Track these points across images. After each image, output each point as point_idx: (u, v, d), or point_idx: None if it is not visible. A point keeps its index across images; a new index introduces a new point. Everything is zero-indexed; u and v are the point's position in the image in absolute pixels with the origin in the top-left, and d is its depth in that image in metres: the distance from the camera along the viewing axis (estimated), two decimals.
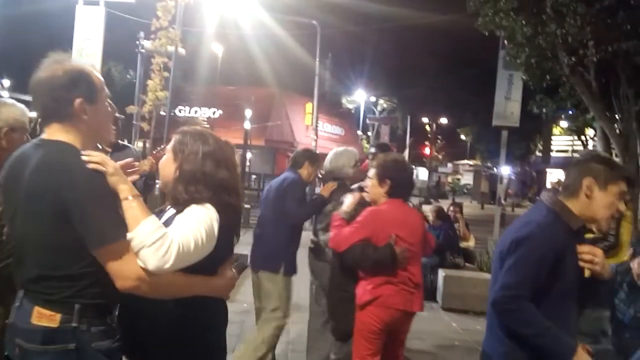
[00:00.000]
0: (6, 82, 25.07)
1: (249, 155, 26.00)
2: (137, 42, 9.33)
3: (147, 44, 9.17)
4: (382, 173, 2.97)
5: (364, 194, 3.10)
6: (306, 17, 17.13)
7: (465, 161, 45.38)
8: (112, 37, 10.92)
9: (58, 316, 1.60)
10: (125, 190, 1.60)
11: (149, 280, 1.56)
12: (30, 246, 1.64)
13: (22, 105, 2.72)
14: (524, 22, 7.42)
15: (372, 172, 3.04)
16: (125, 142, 4.27)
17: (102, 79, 1.76)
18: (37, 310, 1.61)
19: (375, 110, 35.73)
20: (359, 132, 35.65)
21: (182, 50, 9.39)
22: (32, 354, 1.62)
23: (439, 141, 41.49)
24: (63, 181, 1.56)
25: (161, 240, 1.54)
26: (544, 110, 10.35)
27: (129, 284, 1.56)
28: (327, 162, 3.89)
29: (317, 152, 4.39)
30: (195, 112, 28.89)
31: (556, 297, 1.93)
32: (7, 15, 16.87)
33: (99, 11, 10.73)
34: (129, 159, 1.93)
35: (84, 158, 1.59)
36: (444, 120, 38.49)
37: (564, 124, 24.16)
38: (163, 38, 7.61)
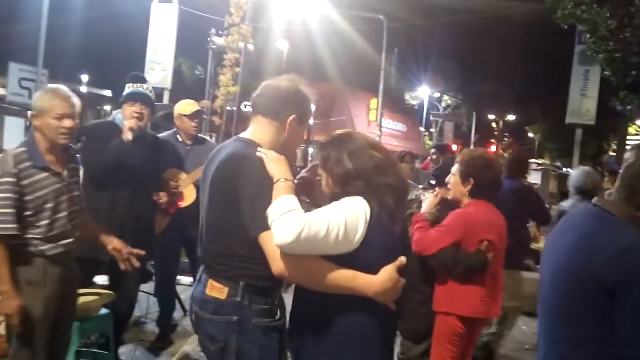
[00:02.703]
0: (85, 78, 26.39)
1: (310, 150, 26.19)
2: (209, 39, 9.61)
3: (218, 40, 9.42)
4: (466, 171, 2.85)
5: (445, 193, 3.00)
6: (373, 12, 17.02)
7: (533, 160, 43.79)
8: (181, 33, 11.26)
9: (226, 290, 1.82)
10: (278, 174, 1.76)
11: (297, 265, 1.69)
12: (211, 228, 1.88)
13: (61, 90, 2.75)
14: (608, 14, 7.05)
15: (455, 168, 2.92)
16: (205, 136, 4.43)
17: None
18: (211, 283, 1.85)
19: (439, 106, 35.01)
20: (422, 129, 35.06)
21: (251, 47, 9.59)
22: (203, 321, 1.87)
23: (505, 139, 40.20)
24: (237, 173, 1.79)
25: (288, 215, 1.63)
26: (628, 107, 9.81)
27: (279, 267, 1.70)
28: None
29: None
30: None
31: None
32: (85, 15, 17.75)
33: (173, 9, 11.15)
34: None
35: (258, 154, 1.81)
36: (511, 118, 37.24)
37: None
38: (235, 34, 7.81)
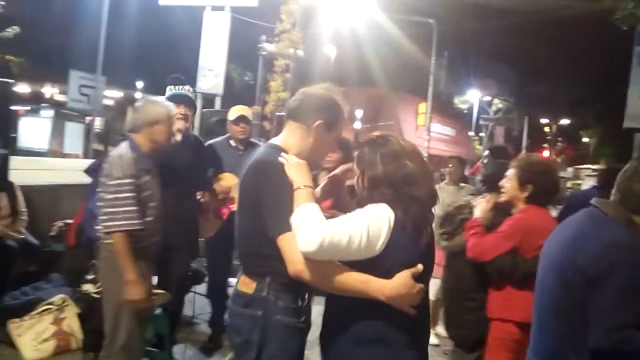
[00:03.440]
0: (139, 84, 27.34)
1: None
2: (259, 45, 9.79)
3: (268, 46, 9.58)
4: (523, 176, 2.78)
5: (497, 198, 2.92)
6: (422, 15, 16.88)
7: (588, 165, 42.22)
8: (231, 40, 11.48)
9: (254, 285, 1.91)
10: (298, 181, 1.82)
11: (312, 268, 1.73)
12: (241, 228, 2.00)
13: (166, 102, 3.04)
14: None
15: (512, 172, 2.84)
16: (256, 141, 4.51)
17: (345, 122, 2.04)
18: (242, 278, 1.96)
19: (489, 110, 34.31)
20: (471, 133, 34.43)
21: (300, 52, 9.70)
22: (234, 314, 1.99)
23: (559, 143, 38.98)
24: (260, 178, 1.89)
25: (311, 225, 1.69)
26: None
27: (295, 268, 1.76)
28: None
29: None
30: None
31: None
32: (139, 24, 18.40)
33: (225, 16, 11.39)
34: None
35: (280, 159, 1.88)
36: (564, 121, 36.10)
37: None
38: (286, 40, 7.94)
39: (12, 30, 10.64)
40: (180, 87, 3.65)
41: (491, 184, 3.16)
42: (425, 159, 1.94)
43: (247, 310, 1.92)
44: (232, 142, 4.23)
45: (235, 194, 3.99)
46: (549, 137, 36.47)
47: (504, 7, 17.41)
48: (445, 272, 3.19)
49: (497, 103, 36.04)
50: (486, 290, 2.84)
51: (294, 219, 1.74)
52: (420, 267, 1.75)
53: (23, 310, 3.90)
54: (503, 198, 2.90)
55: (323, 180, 2.98)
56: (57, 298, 3.97)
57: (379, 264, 1.72)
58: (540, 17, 17.68)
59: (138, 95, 25.44)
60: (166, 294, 3.46)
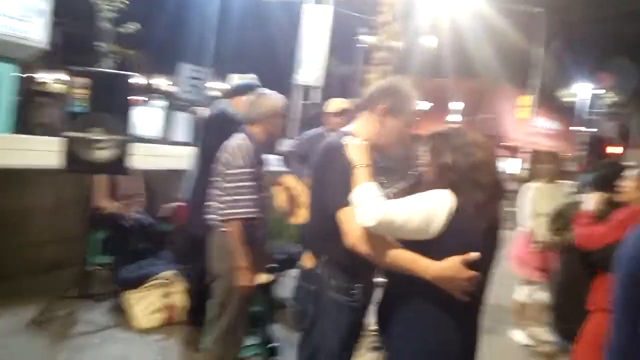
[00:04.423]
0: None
1: None
2: (358, 38, 9.86)
3: (367, 39, 9.58)
4: None
5: (608, 199, 2.89)
6: (529, 4, 16.10)
7: None
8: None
9: (313, 261, 2.08)
10: (357, 160, 1.95)
11: (366, 242, 1.85)
12: (310, 209, 2.17)
13: (277, 95, 3.18)
14: None
15: (634, 172, 2.83)
16: None
17: (419, 109, 2.15)
18: (306, 255, 2.14)
19: (599, 104, 31.99)
20: (579, 128, 32.32)
21: (400, 44, 9.62)
22: (295, 285, 2.20)
23: None
24: (325, 159, 2.06)
25: (370, 201, 1.80)
26: None
27: (349, 240, 1.89)
28: None
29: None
30: None
31: None
32: (240, 19, 19.11)
33: (327, 9, 11.54)
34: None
35: (343, 142, 2.01)
36: None
37: None
38: (386, 33, 7.92)
39: (133, 27, 11.45)
40: (249, 76, 3.75)
41: (603, 183, 3.11)
42: (496, 151, 2.00)
43: (304, 283, 2.11)
44: (328, 134, 4.33)
45: None
46: None
47: None
48: (557, 267, 3.16)
49: (611, 96, 33.47)
50: (591, 283, 2.79)
51: (354, 196, 1.86)
52: (474, 254, 1.76)
53: (137, 282, 4.29)
54: (621, 198, 2.85)
55: None
56: (168, 274, 4.32)
57: (437, 247, 1.78)
58: None
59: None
60: (269, 276, 3.65)
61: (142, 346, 3.70)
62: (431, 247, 1.78)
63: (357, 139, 2.03)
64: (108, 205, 4.81)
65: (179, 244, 5.13)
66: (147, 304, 4.07)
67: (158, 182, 5.49)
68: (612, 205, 2.87)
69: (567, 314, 2.99)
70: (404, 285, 1.85)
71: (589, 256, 2.76)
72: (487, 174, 1.85)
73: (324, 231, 2.00)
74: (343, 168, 1.95)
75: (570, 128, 32.20)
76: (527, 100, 19.37)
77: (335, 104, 4.34)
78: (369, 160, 1.96)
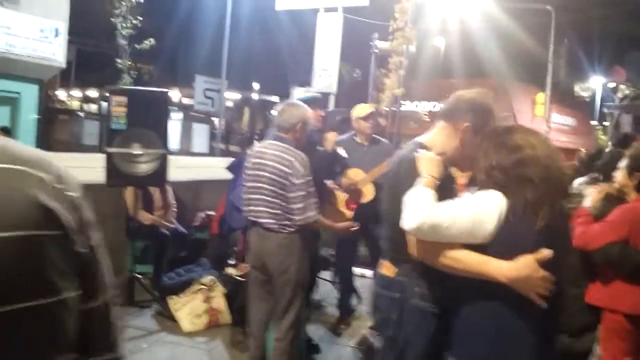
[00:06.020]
0: (256, 85, 28.74)
1: None
2: (372, 43, 10.03)
3: (381, 44, 9.78)
4: (633, 164, 2.78)
5: (610, 188, 2.91)
6: (539, 2, 16.15)
7: None
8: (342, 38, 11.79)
9: (394, 270, 2.11)
10: (425, 171, 1.91)
11: (420, 246, 1.83)
12: (386, 217, 2.19)
13: (305, 105, 3.37)
14: None
15: (624, 162, 2.85)
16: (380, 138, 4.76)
17: (495, 127, 2.00)
18: (385, 263, 2.17)
19: (614, 97, 31.77)
20: (594, 123, 32.12)
21: (412, 48, 9.80)
22: (377, 294, 2.23)
23: None
24: (399, 170, 2.09)
25: (417, 205, 1.77)
26: None
27: (412, 247, 1.89)
28: None
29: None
30: (416, 105, 29.28)
31: None
32: (253, 29, 19.40)
33: (337, 17, 11.76)
34: None
35: (416, 154, 2.00)
36: None
37: None
38: (400, 38, 8.11)
39: (148, 42, 11.75)
40: (310, 90, 3.99)
41: (607, 173, 3.15)
42: (553, 148, 1.87)
43: (387, 291, 2.12)
44: (357, 139, 4.52)
45: (362, 187, 4.31)
46: None
47: None
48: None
49: (624, 89, 33.23)
50: (591, 279, 2.83)
51: (405, 199, 1.81)
52: (547, 252, 1.67)
53: (178, 289, 4.50)
54: (614, 187, 2.89)
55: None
56: (207, 279, 4.52)
57: (491, 250, 1.72)
58: None
59: (255, 96, 26.82)
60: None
61: (190, 348, 3.90)
62: (484, 250, 1.72)
63: (431, 152, 1.99)
64: (145, 216, 5.02)
65: (214, 250, 5.34)
66: (190, 309, 4.27)
67: (183, 192, 5.69)
68: (609, 202, 2.85)
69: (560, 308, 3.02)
70: (470, 289, 1.79)
71: (587, 255, 2.75)
72: (538, 171, 1.75)
73: (402, 240, 1.94)
74: (414, 179, 1.94)
75: (590, 122, 31.99)
76: (542, 97, 19.37)
77: (363, 109, 4.54)
78: (439, 174, 1.90)
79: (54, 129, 17.99)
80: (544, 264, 1.68)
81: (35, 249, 0.84)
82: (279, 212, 3.04)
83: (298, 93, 4.10)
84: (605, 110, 30.38)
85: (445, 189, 1.92)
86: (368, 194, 4.30)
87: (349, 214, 4.23)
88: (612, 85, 31.18)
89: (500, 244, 1.71)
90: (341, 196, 4.22)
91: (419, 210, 1.75)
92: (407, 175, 1.98)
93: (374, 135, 4.61)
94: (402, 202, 1.86)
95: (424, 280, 2.02)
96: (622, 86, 32.79)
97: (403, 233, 1.88)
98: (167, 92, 4.40)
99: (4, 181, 0.83)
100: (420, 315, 2.03)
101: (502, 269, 1.69)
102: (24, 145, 0.92)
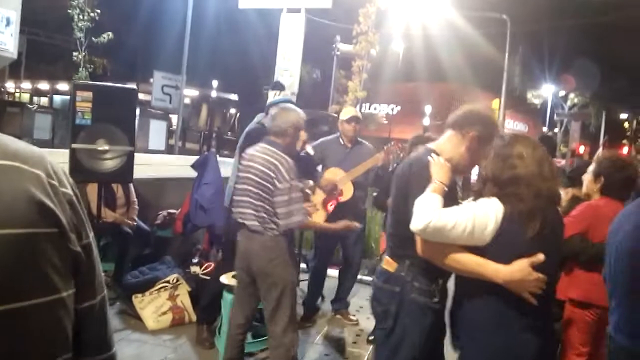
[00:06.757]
0: (214, 83, 28.49)
1: None
2: (334, 45, 10.14)
3: (343, 47, 9.88)
4: (597, 169, 3.06)
5: (577, 192, 3.21)
6: (495, 11, 16.67)
7: None
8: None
9: (395, 265, 2.23)
10: (435, 176, 2.07)
11: (432, 248, 1.98)
12: (391, 214, 2.34)
13: (299, 110, 3.39)
14: None
15: (591, 167, 3.14)
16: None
17: (499, 142, 2.10)
18: (387, 259, 2.30)
19: (564, 105, 33.09)
20: (545, 129, 33.35)
21: (374, 52, 9.94)
22: (377, 287, 2.33)
23: (639, 140, 37.05)
24: (409, 173, 2.20)
25: (424, 208, 1.94)
26: None
27: (419, 248, 2.02)
28: None
29: None
30: (375, 108, 29.69)
31: None
32: (214, 27, 19.23)
33: (300, 18, 11.81)
34: None
35: (428, 159, 2.15)
36: None
37: None
38: (363, 42, 8.23)
39: (106, 36, 11.47)
40: (282, 92, 4.03)
41: (574, 178, 3.48)
42: (547, 160, 2.00)
43: (387, 285, 2.24)
44: (342, 140, 4.65)
45: (341, 187, 4.38)
46: (628, 133, 34.70)
47: (581, 4, 16.87)
48: None
49: (573, 97, 34.66)
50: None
51: (415, 202, 1.98)
52: (540, 256, 1.84)
53: (143, 287, 4.44)
54: (582, 192, 3.19)
55: None
56: (171, 277, 4.49)
57: (489, 252, 1.90)
58: (619, 9, 16.99)
59: (213, 93, 26.57)
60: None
61: (155, 346, 3.88)
62: (484, 252, 1.89)
63: (441, 158, 2.15)
64: (107, 214, 4.94)
65: (178, 248, 5.31)
66: (155, 307, 4.24)
67: (143, 190, 5.61)
68: (574, 202, 3.16)
69: None
70: (472, 287, 1.95)
71: None
72: (529, 186, 1.90)
73: (407, 238, 2.06)
74: (427, 182, 2.07)
75: (542, 129, 33.17)
76: (497, 103, 20.01)
77: (346, 112, 4.71)
78: (447, 179, 2.07)
79: (2, 122, 17.30)
80: (537, 266, 1.86)
81: (32, 247, 0.82)
82: (264, 215, 3.03)
83: (270, 95, 4.10)
84: (556, 118, 31.71)
85: (450, 193, 2.09)
86: (347, 192, 4.41)
87: (324, 215, 4.30)
88: (562, 93, 32.50)
89: (497, 247, 1.89)
90: (319, 196, 4.29)
91: (426, 213, 1.91)
92: (417, 177, 2.14)
93: (357, 138, 4.72)
94: (408, 202, 2.05)
95: (423, 276, 2.16)
96: (571, 95, 34.25)
97: (405, 231, 2.02)
98: (135, 89, 4.34)
99: None
100: (418, 309, 2.16)
101: (498, 272, 1.87)
102: (17, 140, 0.89)
